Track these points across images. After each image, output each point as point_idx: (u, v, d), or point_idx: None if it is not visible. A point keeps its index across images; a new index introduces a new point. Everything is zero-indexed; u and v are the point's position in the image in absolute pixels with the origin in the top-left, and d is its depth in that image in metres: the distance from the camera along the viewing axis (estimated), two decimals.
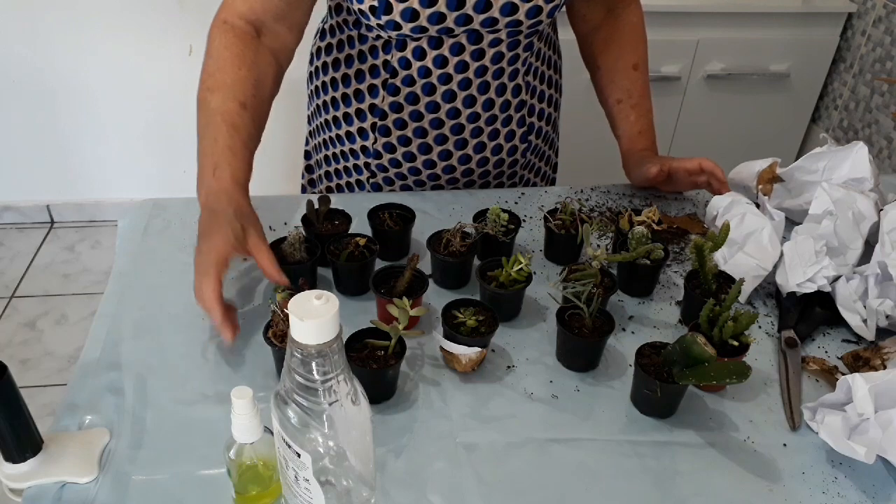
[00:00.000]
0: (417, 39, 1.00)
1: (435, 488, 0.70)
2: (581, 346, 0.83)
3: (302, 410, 0.55)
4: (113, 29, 2.31)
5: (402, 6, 0.94)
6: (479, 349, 0.80)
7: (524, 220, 1.09)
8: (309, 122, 1.23)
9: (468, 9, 0.96)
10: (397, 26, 0.97)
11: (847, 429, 0.74)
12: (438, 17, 0.96)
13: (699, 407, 0.81)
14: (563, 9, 1.09)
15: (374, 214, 0.99)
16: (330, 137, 1.16)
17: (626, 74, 1.17)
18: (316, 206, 0.99)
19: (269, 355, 0.82)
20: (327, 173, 1.21)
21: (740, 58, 2.21)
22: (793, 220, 1.04)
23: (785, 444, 0.77)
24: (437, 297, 0.94)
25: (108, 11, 2.27)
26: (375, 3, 0.95)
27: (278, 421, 0.56)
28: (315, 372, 0.53)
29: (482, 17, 0.97)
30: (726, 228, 0.88)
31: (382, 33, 0.99)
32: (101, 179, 2.62)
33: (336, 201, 1.03)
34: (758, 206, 1.03)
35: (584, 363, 0.84)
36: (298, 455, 0.56)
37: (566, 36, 1.22)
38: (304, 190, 1.32)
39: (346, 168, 1.17)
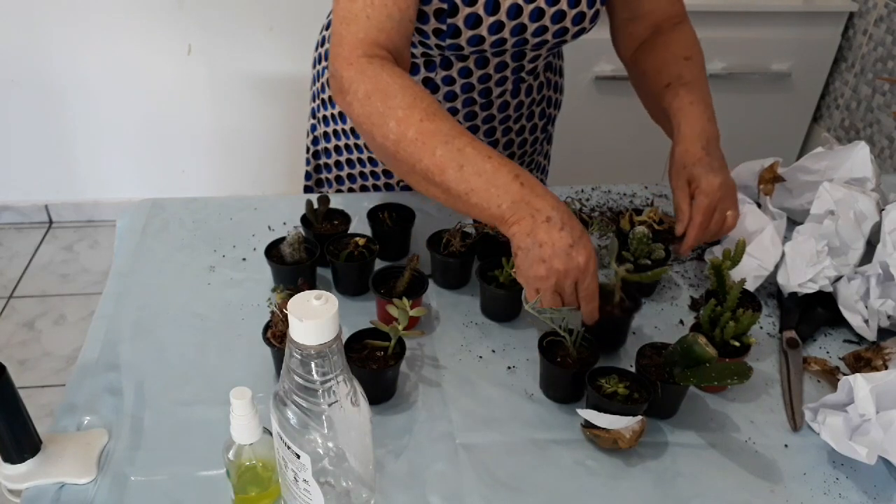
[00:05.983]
0: (464, 60, 0.99)
1: (435, 489, 0.70)
2: (560, 376, 0.79)
3: (301, 411, 0.54)
4: (112, 28, 2.30)
5: (470, 33, 0.92)
6: (640, 417, 0.73)
7: None
8: (315, 113, 1.21)
9: (528, 34, 0.95)
10: (459, 48, 0.95)
11: (848, 429, 0.73)
12: (499, 42, 0.95)
13: (700, 408, 0.81)
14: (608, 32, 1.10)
15: (373, 214, 0.99)
16: (340, 130, 1.15)
17: (675, 62, 1.00)
18: (315, 206, 0.99)
19: (269, 356, 0.81)
20: (337, 163, 1.20)
21: (741, 57, 2.20)
22: (794, 220, 1.04)
23: (786, 445, 0.77)
24: (437, 297, 0.94)
25: (107, 11, 2.27)
26: (443, 28, 0.92)
27: (277, 422, 0.56)
28: (314, 373, 0.53)
29: (536, 39, 0.97)
30: (742, 245, 0.86)
31: (433, 52, 0.98)
32: (99, 179, 2.61)
33: (336, 201, 1.03)
34: (759, 205, 1.03)
35: (565, 395, 0.80)
36: (298, 456, 0.56)
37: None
38: (308, 177, 1.30)
39: (359, 159, 1.17)
